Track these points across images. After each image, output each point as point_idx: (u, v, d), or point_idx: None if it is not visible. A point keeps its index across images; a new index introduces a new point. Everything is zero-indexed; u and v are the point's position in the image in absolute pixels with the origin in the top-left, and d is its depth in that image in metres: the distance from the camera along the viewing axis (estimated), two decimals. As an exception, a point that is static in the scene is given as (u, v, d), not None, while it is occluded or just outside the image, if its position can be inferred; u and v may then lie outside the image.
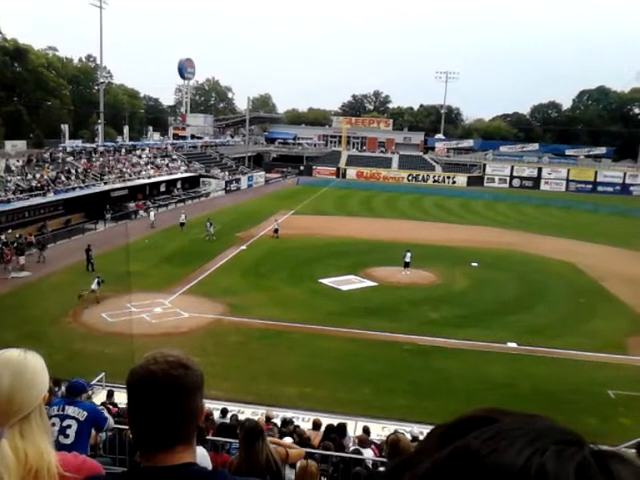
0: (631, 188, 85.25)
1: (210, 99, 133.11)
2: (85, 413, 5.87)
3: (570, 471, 0.58)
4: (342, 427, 11.45)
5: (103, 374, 16.11)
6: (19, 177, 41.56)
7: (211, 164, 72.29)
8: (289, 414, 14.34)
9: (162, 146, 70.34)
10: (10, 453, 1.67)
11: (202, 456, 5.33)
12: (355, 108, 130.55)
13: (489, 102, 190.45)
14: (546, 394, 17.57)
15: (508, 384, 18.55)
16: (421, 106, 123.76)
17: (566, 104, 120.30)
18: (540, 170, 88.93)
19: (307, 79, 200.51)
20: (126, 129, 69.41)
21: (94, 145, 58.84)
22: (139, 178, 55.20)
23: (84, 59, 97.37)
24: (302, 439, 9.62)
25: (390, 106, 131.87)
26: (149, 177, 57.16)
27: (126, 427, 6.96)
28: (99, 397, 14.25)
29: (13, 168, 42.54)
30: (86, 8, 65.20)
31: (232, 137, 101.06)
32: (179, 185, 62.90)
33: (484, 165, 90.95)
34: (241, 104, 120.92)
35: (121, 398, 12.94)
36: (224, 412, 13.11)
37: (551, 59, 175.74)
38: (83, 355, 19.81)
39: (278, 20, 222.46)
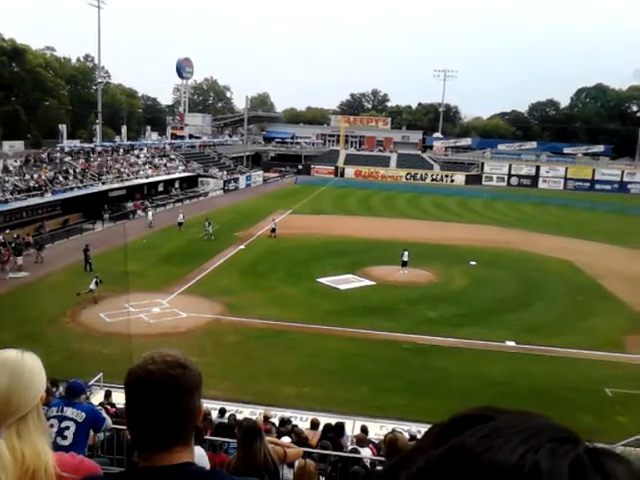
0: (629, 186, 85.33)
1: (208, 98, 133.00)
2: (83, 414, 5.87)
3: (564, 469, 0.58)
4: (340, 426, 11.46)
5: (101, 374, 16.09)
6: (17, 177, 41.51)
7: (209, 164, 72.26)
8: (287, 414, 14.38)
9: (160, 146, 70.29)
10: (7, 453, 1.68)
11: (200, 456, 5.33)
12: (353, 107, 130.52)
13: (487, 100, 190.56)
14: (544, 392, 17.60)
15: (506, 382, 18.57)
16: (419, 105, 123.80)
17: (564, 102, 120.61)
18: (538, 168, 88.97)
19: (305, 78, 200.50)
20: (124, 129, 69.34)
21: (92, 145, 58.79)
22: (137, 178, 55.16)
23: (82, 59, 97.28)
24: (300, 438, 9.62)
25: (388, 105, 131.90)
26: (147, 177, 57.12)
27: (124, 427, 6.96)
28: (97, 397, 14.26)
29: (11, 168, 42.50)
30: (84, 8, 65.09)
31: (230, 136, 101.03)
32: (177, 185, 62.86)
33: (482, 163, 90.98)
34: (239, 103, 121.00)
35: (119, 398, 12.93)
36: (222, 412, 13.12)
37: (549, 57, 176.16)
38: (81, 355, 19.78)
39: (276, 19, 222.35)
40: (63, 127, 56.57)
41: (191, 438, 1.71)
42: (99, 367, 16.73)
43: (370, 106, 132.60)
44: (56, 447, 4.99)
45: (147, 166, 59.46)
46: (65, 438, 5.63)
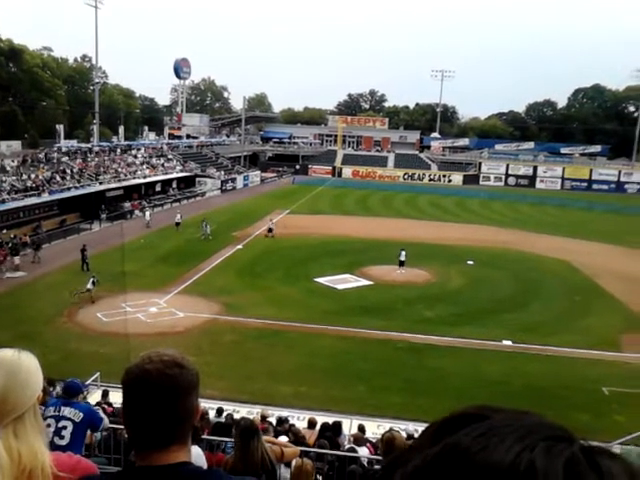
0: (626, 186, 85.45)
1: (206, 99, 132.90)
2: (81, 414, 5.86)
3: (559, 467, 0.58)
4: (337, 425, 11.47)
5: (98, 374, 16.10)
6: (14, 177, 41.43)
7: (207, 164, 72.20)
8: (284, 413, 14.38)
9: (158, 146, 70.17)
10: (4, 453, 1.68)
11: (197, 455, 5.34)
12: (351, 107, 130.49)
13: (485, 100, 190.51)
14: (541, 391, 17.65)
15: (503, 382, 18.61)
16: (417, 105, 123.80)
17: (561, 102, 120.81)
18: (535, 168, 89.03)
19: (303, 78, 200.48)
20: (121, 129, 69.21)
21: (89, 145, 58.67)
22: (134, 178, 55.08)
23: (79, 59, 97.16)
24: (297, 438, 9.63)
25: (386, 105, 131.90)
26: (144, 177, 57.04)
27: (121, 427, 6.96)
28: (94, 397, 14.26)
29: (8, 168, 42.43)
30: (81, 8, 64.91)
31: (228, 137, 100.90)
32: (175, 185, 62.78)
33: (480, 164, 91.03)
34: (237, 104, 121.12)
35: (116, 398, 12.93)
36: (219, 411, 13.11)
37: (546, 57, 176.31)
38: (78, 355, 19.77)
39: (273, 20, 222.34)
40: (60, 127, 56.50)
41: (188, 437, 1.71)
42: (96, 367, 16.75)
43: (367, 106, 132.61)
44: (53, 447, 4.98)
45: (144, 166, 59.39)
46: (62, 438, 5.62)
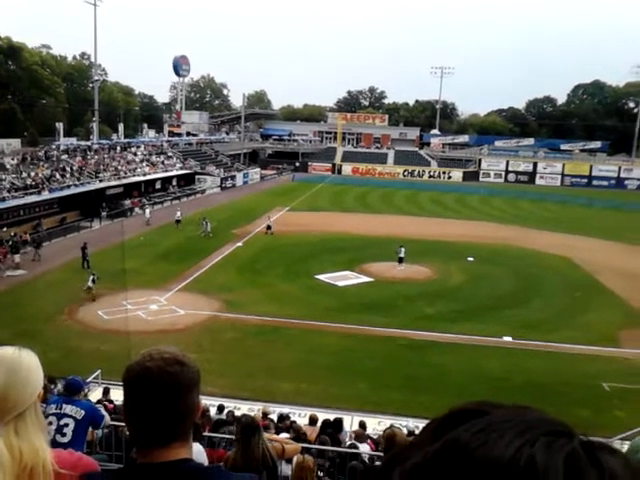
0: (626, 182, 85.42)
1: (205, 96, 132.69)
2: (82, 412, 5.88)
3: (559, 462, 0.58)
4: (338, 422, 11.49)
5: (99, 371, 16.11)
6: (14, 175, 41.42)
7: (206, 161, 72.16)
8: (285, 410, 14.40)
9: (157, 143, 70.15)
10: (5, 451, 1.68)
11: (198, 452, 5.34)
12: (350, 104, 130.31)
13: (484, 97, 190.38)
14: (541, 387, 17.65)
15: (503, 378, 18.62)
16: (416, 102, 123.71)
17: (561, 99, 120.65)
18: (535, 165, 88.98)
19: (302, 75, 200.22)
20: (121, 127, 69.11)
21: (89, 143, 58.64)
22: (134, 175, 55.07)
23: (78, 57, 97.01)
24: (299, 434, 9.65)
25: (385, 102, 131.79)
26: (144, 174, 57.02)
27: (122, 424, 6.97)
28: (95, 394, 14.26)
29: (8, 166, 42.41)
30: (80, 5, 64.82)
31: (227, 134, 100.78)
32: (174, 182, 62.75)
33: (479, 160, 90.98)
34: (236, 101, 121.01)
35: (117, 395, 12.94)
36: (220, 408, 13.13)
37: (546, 54, 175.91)
38: (79, 352, 19.79)
39: (273, 17, 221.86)
40: (60, 125, 56.37)
41: (189, 434, 1.72)
42: (97, 364, 16.75)
43: (367, 103, 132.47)
44: (55, 444, 4.99)
45: (144, 164, 59.37)
46: (64, 435, 5.64)
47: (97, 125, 66.82)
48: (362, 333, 22.61)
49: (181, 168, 65.21)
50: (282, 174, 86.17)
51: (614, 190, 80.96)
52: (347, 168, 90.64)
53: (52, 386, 11.45)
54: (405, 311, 25.37)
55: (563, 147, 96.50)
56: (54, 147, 51.49)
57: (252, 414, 10.45)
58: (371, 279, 30.29)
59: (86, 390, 12.99)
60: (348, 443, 10.09)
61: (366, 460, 8.69)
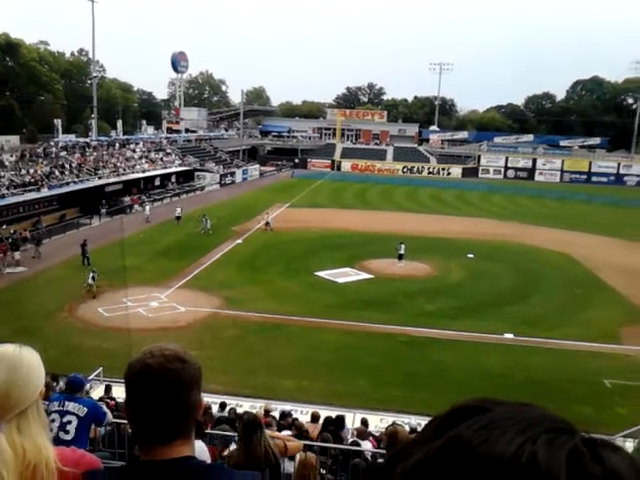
0: (625, 178, 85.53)
1: (204, 92, 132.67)
2: (85, 409, 5.87)
3: (561, 459, 0.58)
4: (340, 419, 11.47)
5: (101, 369, 16.10)
6: (12, 172, 41.38)
7: (205, 158, 72.15)
8: (287, 407, 14.37)
9: (156, 140, 70.11)
10: (8, 448, 1.67)
11: (201, 450, 5.32)
12: (349, 100, 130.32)
13: (483, 93, 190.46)
14: (542, 384, 17.65)
15: (504, 375, 18.61)
16: (415, 98, 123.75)
17: (560, 95, 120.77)
18: (535, 161, 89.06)
19: (301, 72, 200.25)
20: (120, 123, 69.06)
21: (88, 140, 58.60)
22: (133, 172, 54.99)
23: (76, 53, 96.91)
24: (301, 432, 9.63)
25: (384, 98, 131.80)
26: (143, 171, 56.95)
27: (124, 421, 6.96)
28: (97, 392, 14.25)
29: (7, 163, 42.37)
30: (78, 2, 64.86)
31: (226, 130, 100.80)
32: (174, 179, 62.76)
33: (479, 156, 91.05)
34: (235, 97, 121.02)
35: (119, 392, 12.93)
36: (222, 406, 13.13)
37: (545, 50, 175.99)
38: (80, 350, 19.78)
39: (271, 13, 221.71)
40: (58, 122, 56.31)
41: (191, 432, 1.71)
42: (98, 361, 16.75)
43: (366, 99, 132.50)
44: (58, 441, 4.98)
45: (143, 160, 59.31)
46: (67, 432, 5.63)
47: (96, 122, 66.78)
48: (362, 330, 22.61)
49: (180, 165, 65.19)
50: (281, 171, 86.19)
51: (613, 186, 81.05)
52: (346, 164, 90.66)
53: (54, 384, 11.44)
54: (405, 308, 25.38)
55: (562, 143, 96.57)
56: (53, 144, 51.45)
57: (254, 411, 10.44)
58: (371, 276, 30.29)
59: (88, 387, 12.98)
60: (350, 440, 10.07)
61: (369, 457, 8.68)
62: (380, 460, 8.21)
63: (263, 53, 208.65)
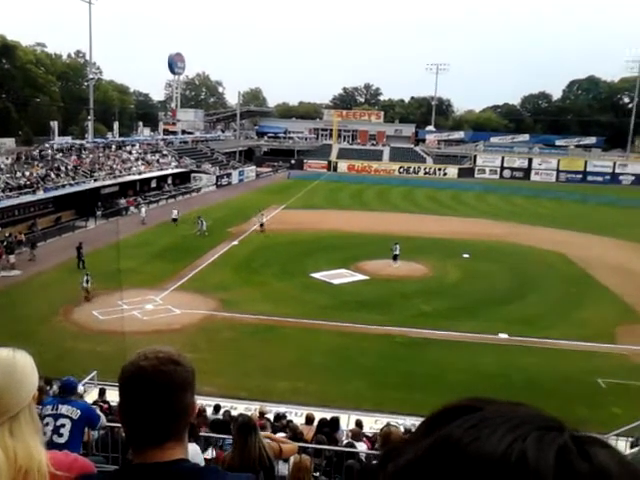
0: (620, 177, 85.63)
1: (200, 94, 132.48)
2: (79, 412, 5.87)
3: (550, 456, 0.58)
4: (335, 421, 11.49)
5: (95, 372, 16.07)
6: (8, 175, 41.26)
7: (202, 159, 72.02)
8: (282, 409, 14.39)
9: (152, 142, 69.97)
10: (0, 453, 1.67)
11: (195, 453, 5.34)
12: (346, 101, 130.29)
13: (479, 93, 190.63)
14: (537, 384, 17.69)
15: (500, 375, 18.65)
16: (412, 98, 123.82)
17: (556, 94, 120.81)
18: (530, 161, 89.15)
19: (297, 72, 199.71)
20: (116, 125, 68.96)
21: (84, 142, 58.43)
22: (129, 174, 54.89)
23: (73, 55, 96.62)
24: (295, 434, 9.64)
25: (381, 98, 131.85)
26: (140, 173, 56.85)
27: (118, 425, 6.96)
28: (91, 395, 14.22)
29: (2, 166, 42.23)
30: (75, 4, 64.79)
31: (223, 132, 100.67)
32: (170, 181, 62.63)
33: (475, 156, 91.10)
34: (231, 98, 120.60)
35: (113, 396, 12.90)
36: (217, 408, 13.11)
37: (541, 50, 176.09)
38: (74, 353, 19.71)
39: (267, 14, 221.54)
40: (54, 124, 56.14)
41: (184, 434, 1.71)
42: (93, 365, 16.70)
43: (363, 100, 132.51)
44: (53, 445, 4.99)
45: (139, 162, 59.19)
46: (61, 436, 5.63)
47: (92, 124, 66.65)
48: (358, 331, 22.62)
49: (176, 166, 65.06)
50: (278, 172, 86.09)
51: (609, 186, 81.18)
52: (343, 165, 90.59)
53: (48, 387, 11.42)
54: (401, 309, 25.39)
55: (558, 143, 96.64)
56: (49, 146, 51.27)
57: (249, 414, 10.46)
58: (366, 277, 30.30)
59: (82, 391, 12.96)
60: (345, 442, 10.09)
61: (363, 459, 8.70)
62: (374, 462, 8.23)
63: (259, 54, 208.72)
